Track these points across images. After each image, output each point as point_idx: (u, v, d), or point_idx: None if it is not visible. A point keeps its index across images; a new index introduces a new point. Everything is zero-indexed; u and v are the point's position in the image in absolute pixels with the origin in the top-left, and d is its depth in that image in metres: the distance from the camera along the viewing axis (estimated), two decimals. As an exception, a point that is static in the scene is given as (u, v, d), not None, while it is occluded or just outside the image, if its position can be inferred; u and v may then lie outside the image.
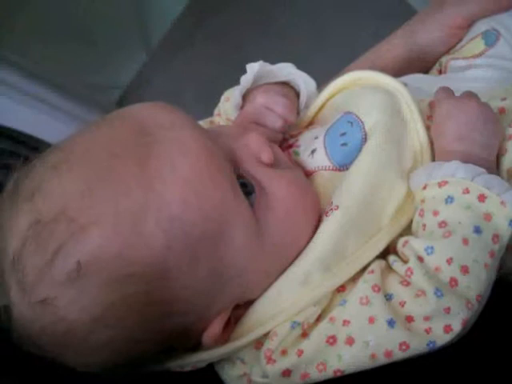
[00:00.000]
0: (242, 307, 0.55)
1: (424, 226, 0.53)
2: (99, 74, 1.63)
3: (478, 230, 0.51)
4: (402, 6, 1.16)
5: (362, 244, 0.55)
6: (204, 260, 0.51)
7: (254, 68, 0.66)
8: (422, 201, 0.55)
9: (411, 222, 0.56)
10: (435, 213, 0.53)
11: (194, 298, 0.52)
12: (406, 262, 0.53)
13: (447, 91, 0.60)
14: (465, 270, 0.50)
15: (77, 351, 0.51)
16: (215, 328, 0.54)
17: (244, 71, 0.67)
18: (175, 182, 0.50)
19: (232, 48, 1.37)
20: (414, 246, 0.52)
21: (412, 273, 0.51)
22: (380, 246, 0.55)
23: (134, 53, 1.64)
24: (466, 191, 0.52)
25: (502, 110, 0.61)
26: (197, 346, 0.56)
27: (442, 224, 0.52)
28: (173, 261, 0.50)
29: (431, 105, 0.62)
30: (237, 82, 0.70)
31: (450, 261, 0.50)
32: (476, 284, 0.50)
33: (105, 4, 1.62)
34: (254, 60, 0.67)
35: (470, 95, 0.59)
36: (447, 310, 0.49)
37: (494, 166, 0.57)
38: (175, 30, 1.55)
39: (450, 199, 0.52)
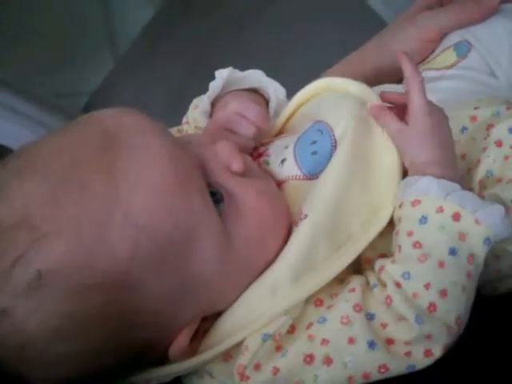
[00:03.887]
0: (209, 319, 0.54)
1: (399, 247, 0.52)
2: (65, 81, 1.61)
3: (453, 252, 0.50)
4: (371, 17, 1.17)
5: (332, 253, 0.54)
6: (170, 270, 0.50)
7: (223, 74, 0.66)
8: (399, 219, 0.54)
9: (381, 232, 0.55)
10: (409, 233, 0.52)
11: (159, 310, 0.50)
12: (384, 285, 0.52)
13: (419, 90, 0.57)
14: (443, 293, 0.49)
15: (35, 365, 0.49)
16: (182, 340, 0.52)
17: (213, 80, 0.66)
18: (142, 189, 0.49)
19: (201, 57, 1.36)
20: (390, 272, 0.51)
21: (391, 300, 0.50)
22: (350, 256, 0.54)
23: (100, 60, 1.62)
24: (440, 210, 0.51)
25: (473, 118, 0.61)
26: (162, 360, 0.54)
27: (417, 245, 0.51)
28: (137, 271, 0.48)
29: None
30: (205, 92, 0.69)
31: (428, 286, 0.49)
32: (454, 307, 0.49)
33: (72, 10, 1.60)
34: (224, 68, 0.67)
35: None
36: (428, 337, 0.49)
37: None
38: (143, 38, 1.54)
39: (423, 219, 0.51)
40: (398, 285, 0.50)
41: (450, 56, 0.70)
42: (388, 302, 0.50)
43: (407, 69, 0.57)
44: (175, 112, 0.73)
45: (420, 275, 0.50)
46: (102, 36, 1.64)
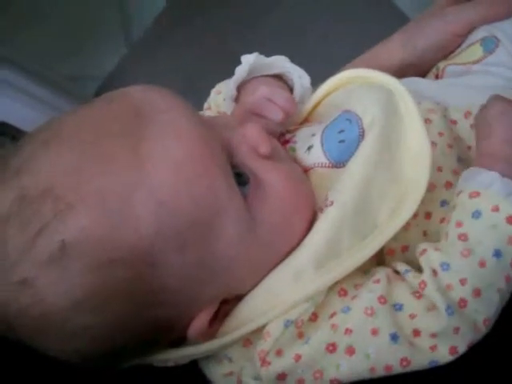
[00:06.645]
0: (230, 302, 0.54)
1: (446, 234, 0.52)
2: (78, 65, 1.61)
3: (498, 254, 0.49)
4: (390, 9, 1.16)
5: (357, 242, 0.53)
6: (193, 248, 0.50)
7: (249, 59, 0.65)
8: (454, 207, 0.53)
9: (407, 223, 0.54)
10: (459, 224, 0.51)
11: (180, 288, 0.50)
12: (418, 270, 0.51)
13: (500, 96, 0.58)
14: (477, 293, 0.49)
15: (52, 337, 0.49)
16: (201, 320, 0.52)
17: (228, 67, 0.66)
18: (167, 165, 0.49)
19: (216, 44, 1.36)
20: (430, 258, 0.51)
21: (425, 285, 0.50)
22: (376, 245, 0.53)
23: (114, 45, 1.62)
24: (495, 209, 0.50)
25: None
26: (181, 342, 0.54)
27: (462, 237, 0.50)
28: (160, 247, 0.48)
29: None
30: (221, 78, 0.69)
31: (463, 281, 0.49)
32: (485, 308, 0.49)
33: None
34: (239, 56, 0.66)
35: None
36: (456, 330, 0.49)
37: None
38: (158, 23, 1.52)
39: (477, 213, 0.51)
40: (434, 272, 0.50)
41: (476, 51, 0.70)
42: (422, 286, 0.50)
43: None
44: (189, 99, 0.73)
45: (458, 270, 0.49)
46: (116, 21, 1.64)
